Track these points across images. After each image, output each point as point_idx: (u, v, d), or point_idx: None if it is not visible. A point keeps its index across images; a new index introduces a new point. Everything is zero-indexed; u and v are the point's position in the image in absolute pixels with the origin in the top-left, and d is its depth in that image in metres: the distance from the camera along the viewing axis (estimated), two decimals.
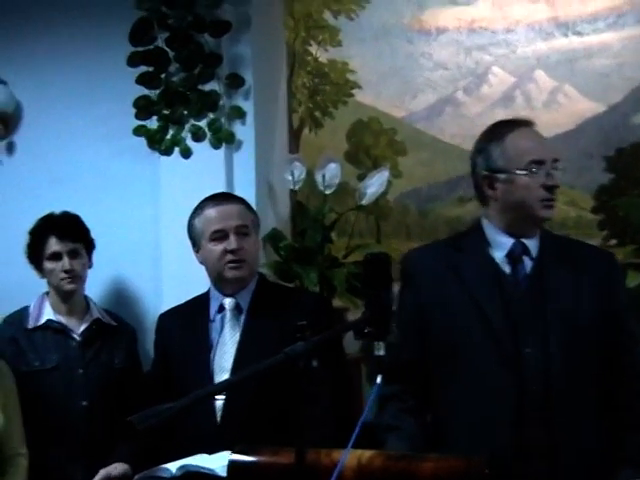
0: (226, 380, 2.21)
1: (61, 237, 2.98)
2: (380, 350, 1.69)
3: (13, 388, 2.82)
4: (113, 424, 2.72)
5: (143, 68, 3.33)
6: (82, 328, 3.04)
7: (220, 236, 2.52)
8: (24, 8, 3.68)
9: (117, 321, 3.14)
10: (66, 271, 2.97)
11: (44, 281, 3.07)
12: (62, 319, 3.04)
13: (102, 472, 2.38)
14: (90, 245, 3.08)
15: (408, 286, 2.25)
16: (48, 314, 3.04)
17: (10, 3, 3.68)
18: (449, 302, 2.16)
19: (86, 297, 3.12)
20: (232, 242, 2.50)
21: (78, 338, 3.03)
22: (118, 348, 3.06)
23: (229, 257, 2.51)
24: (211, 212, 2.55)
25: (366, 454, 1.71)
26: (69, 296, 3.03)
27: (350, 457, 1.67)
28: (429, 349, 2.21)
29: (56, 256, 2.98)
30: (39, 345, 2.98)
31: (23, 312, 3.06)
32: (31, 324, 3.02)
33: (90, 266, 3.09)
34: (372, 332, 1.68)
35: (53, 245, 2.98)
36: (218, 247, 2.52)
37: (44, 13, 3.66)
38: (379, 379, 1.69)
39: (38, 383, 2.89)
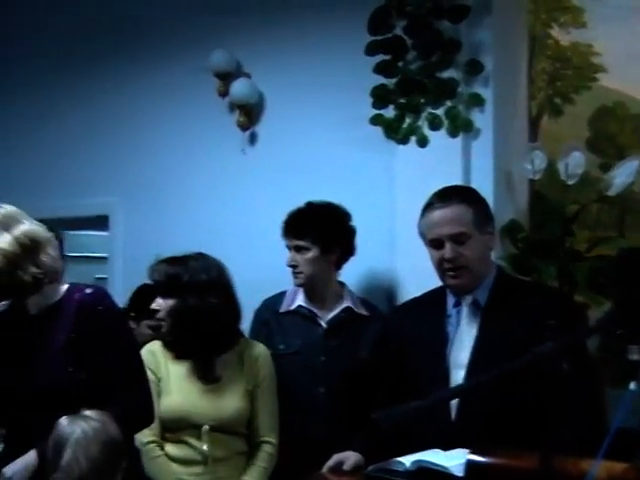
0: (474, 380, 2.14)
1: (285, 233, 3.07)
2: (634, 354, 1.56)
3: (268, 376, 2.88)
4: (350, 413, 2.74)
5: (380, 57, 3.32)
6: (330, 316, 3.09)
7: (436, 244, 2.46)
8: (270, 4, 3.81)
9: (370, 311, 3.13)
10: (290, 266, 3.05)
11: None
12: (312, 306, 3.10)
13: (335, 457, 2.39)
14: (325, 238, 3.07)
15: None
16: (300, 300, 3.12)
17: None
18: None
19: (343, 285, 3.16)
20: (447, 251, 2.43)
21: (324, 325, 3.08)
22: (365, 339, 3.04)
23: (446, 265, 2.44)
24: (430, 217, 2.48)
25: (618, 467, 1.58)
26: (308, 287, 3.09)
27: (600, 469, 1.55)
28: None
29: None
30: (287, 329, 3.07)
31: (280, 296, 3.17)
32: (283, 308, 3.12)
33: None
34: (625, 334, 1.55)
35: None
36: (436, 254, 2.46)
37: (287, 7, 3.76)
38: (633, 385, 1.55)
39: (280, 366, 2.95)
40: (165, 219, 4.10)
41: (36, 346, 2.38)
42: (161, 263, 2.87)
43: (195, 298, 2.78)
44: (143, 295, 3.53)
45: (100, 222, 4.41)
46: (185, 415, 2.76)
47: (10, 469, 2.25)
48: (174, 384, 2.81)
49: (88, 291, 2.44)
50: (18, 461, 2.25)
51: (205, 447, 2.73)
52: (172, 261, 2.87)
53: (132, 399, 2.37)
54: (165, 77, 4.15)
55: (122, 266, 4.22)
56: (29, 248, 2.28)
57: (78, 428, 2.13)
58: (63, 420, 2.15)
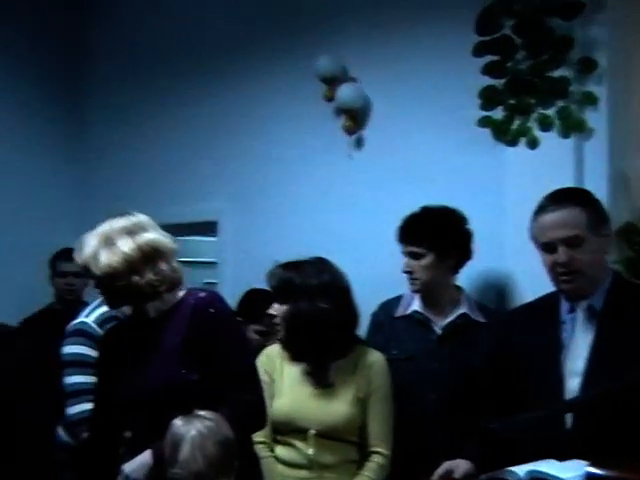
0: (600, 389, 2.07)
1: (400, 239, 3.04)
2: None
3: (382, 385, 2.83)
4: (460, 421, 2.69)
5: (488, 57, 3.26)
6: (446, 322, 3.04)
7: (549, 248, 2.38)
8: (375, 8, 3.79)
9: (488, 317, 3.05)
10: (406, 272, 3.01)
11: None
12: (428, 311, 3.06)
13: (446, 465, 2.35)
14: (441, 243, 3.02)
15: None
16: (416, 305, 3.08)
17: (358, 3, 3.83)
18: None
19: (460, 289, 3.12)
20: (561, 255, 2.35)
21: (439, 332, 3.04)
22: (480, 346, 2.92)
23: (560, 270, 2.36)
24: (541, 220, 2.41)
25: None
26: (424, 293, 3.05)
27: None
28: None
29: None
30: (401, 334, 3.04)
31: (396, 300, 3.15)
32: (398, 313, 3.10)
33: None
34: None
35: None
36: (549, 258, 2.39)
37: (392, 11, 3.75)
38: None
39: (393, 371, 2.91)
40: (272, 224, 4.14)
41: (152, 348, 2.45)
42: (277, 268, 2.90)
43: (306, 303, 2.79)
44: (251, 300, 3.57)
45: (209, 228, 4.49)
46: (292, 418, 2.77)
47: (128, 467, 2.33)
48: (287, 387, 2.83)
49: (201, 295, 2.51)
50: (135, 460, 2.33)
51: (311, 451, 2.73)
52: (287, 266, 2.89)
53: (245, 401, 2.39)
54: (272, 83, 4.19)
55: (231, 271, 4.28)
56: (149, 256, 2.38)
57: (193, 427, 2.18)
58: (178, 420, 2.21)
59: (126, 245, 2.35)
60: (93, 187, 5.00)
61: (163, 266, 2.40)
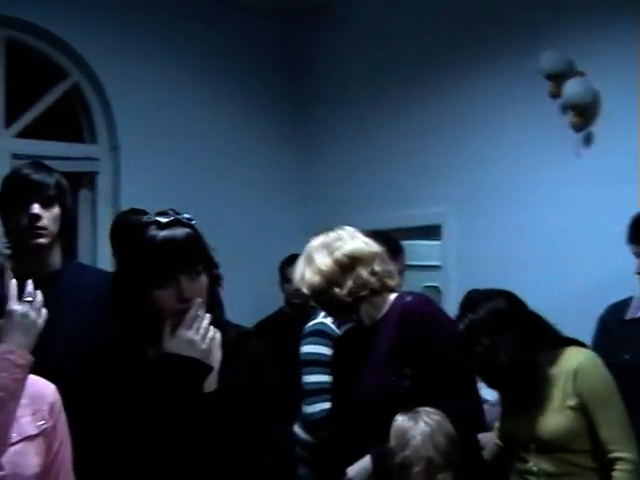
0: None
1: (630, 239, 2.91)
2: None
3: (597, 388, 2.55)
4: None
5: None
6: None
7: None
8: None
9: None
10: (638, 273, 2.88)
11: None
12: None
13: None
14: None
15: None
16: None
17: None
18: None
19: None
20: None
21: None
22: None
23: None
24: None
25: None
26: None
27: None
28: None
29: None
30: (632, 338, 2.90)
31: (625, 302, 3.03)
32: (629, 315, 2.97)
33: None
34: None
35: None
36: None
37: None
38: None
39: (623, 376, 2.68)
40: (498, 226, 4.05)
41: (365, 357, 2.49)
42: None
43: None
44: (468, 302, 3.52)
45: (433, 231, 4.48)
46: (511, 433, 2.68)
47: (352, 470, 2.40)
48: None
49: (408, 299, 2.50)
50: (358, 464, 2.39)
51: (531, 464, 2.62)
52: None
53: (460, 404, 2.35)
54: (493, 82, 4.12)
55: (456, 274, 4.24)
56: (346, 266, 2.44)
57: (421, 420, 2.22)
58: (400, 416, 2.23)
59: (322, 261, 2.44)
60: (318, 195, 5.14)
61: (363, 272, 2.44)
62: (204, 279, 1.88)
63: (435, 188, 4.39)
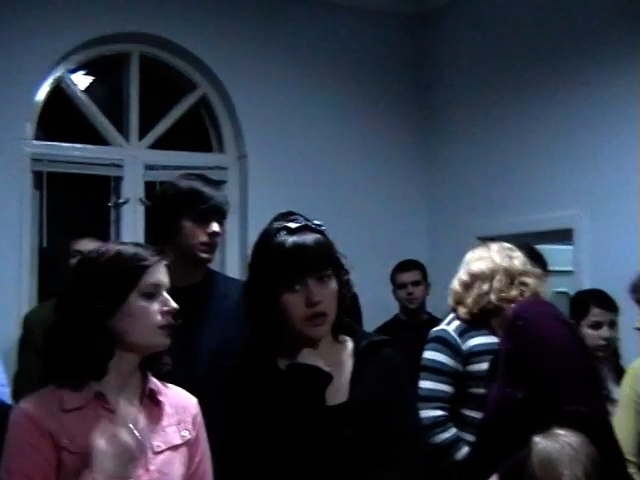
0: None
1: None
2: None
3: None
4: None
5: None
6: None
7: None
8: None
9: None
10: None
11: None
12: None
13: None
14: None
15: None
16: None
17: None
18: None
19: None
20: None
21: None
22: None
23: None
24: None
25: None
26: None
27: None
28: None
29: None
30: None
31: None
32: None
33: None
34: None
35: None
36: None
37: None
38: None
39: None
40: (632, 231, 3.88)
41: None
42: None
43: None
44: (580, 302, 3.43)
45: (564, 235, 4.35)
46: None
47: None
48: None
49: (514, 306, 2.45)
50: None
51: None
52: None
53: (575, 415, 2.22)
54: (622, 75, 3.96)
55: (589, 280, 4.09)
56: (466, 285, 2.51)
57: (565, 444, 2.06)
58: (539, 439, 2.10)
59: (455, 279, 2.56)
60: (445, 201, 5.08)
61: (484, 287, 2.47)
62: (334, 284, 1.88)
63: (566, 192, 4.26)
